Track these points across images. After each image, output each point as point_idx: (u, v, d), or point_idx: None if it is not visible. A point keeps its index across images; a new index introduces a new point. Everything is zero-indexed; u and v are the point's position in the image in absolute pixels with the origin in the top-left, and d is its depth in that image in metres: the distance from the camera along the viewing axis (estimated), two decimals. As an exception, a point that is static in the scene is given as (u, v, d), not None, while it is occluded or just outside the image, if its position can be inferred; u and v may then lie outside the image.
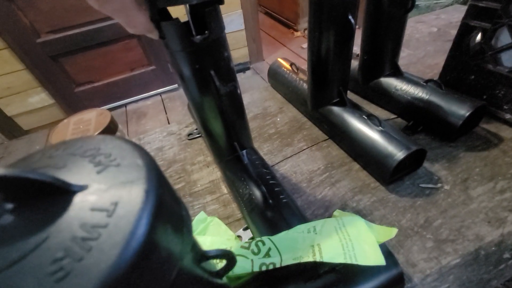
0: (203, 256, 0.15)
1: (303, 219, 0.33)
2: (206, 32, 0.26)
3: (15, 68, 1.55)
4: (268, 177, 0.37)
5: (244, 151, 0.41)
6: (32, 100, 1.74)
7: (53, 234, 0.07)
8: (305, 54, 2.52)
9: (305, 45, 2.50)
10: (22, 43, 1.48)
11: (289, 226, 0.31)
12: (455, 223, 0.34)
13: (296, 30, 2.65)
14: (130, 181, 0.09)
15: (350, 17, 0.36)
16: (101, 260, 0.07)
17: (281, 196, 0.35)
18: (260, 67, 2.26)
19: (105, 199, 0.08)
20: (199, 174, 0.48)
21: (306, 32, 2.63)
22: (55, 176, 0.08)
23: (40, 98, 1.74)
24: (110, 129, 0.37)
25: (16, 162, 0.11)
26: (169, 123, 1.87)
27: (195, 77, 0.30)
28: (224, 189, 0.45)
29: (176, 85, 2.08)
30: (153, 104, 2.02)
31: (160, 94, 2.09)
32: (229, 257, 0.16)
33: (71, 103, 1.82)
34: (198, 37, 0.26)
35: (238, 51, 2.02)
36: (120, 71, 1.86)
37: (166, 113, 1.93)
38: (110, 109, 1.96)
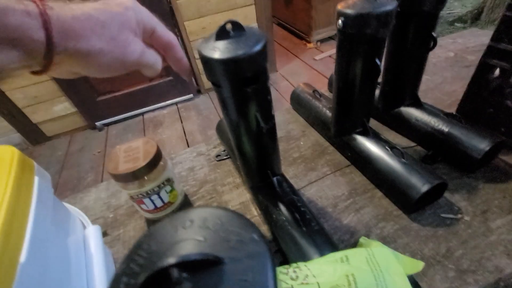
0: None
1: (332, 246, 0.36)
2: (255, 84, 0.30)
3: (42, 79, 1.64)
4: (299, 204, 0.41)
5: (275, 178, 0.44)
6: (56, 109, 1.82)
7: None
8: (317, 66, 2.56)
9: (318, 57, 2.54)
10: (51, 56, 1.57)
11: (320, 252, 0.35)
12: (476, 254, 0.37)
13: (309, 42, 2.70)
14: (256, 254, 0.13)
15: (377, 60, 0.40)
16: None
17: (312, 224, 0.38)
18: (273, 78, 2.31)
19: (243, 269, 0.12)
20: (230, 195, 0.52)
21: (319, 43, 2.68)
22: (209, 253, 0.12)
23: (63, 106, 1.83)
24: (157, 158, 0.41)
25: (156, 230, 0.15)
26: (184, 133, 1.93)
27: (241, 116, 0.34)
28: (254, 211, 0.48)
29: (192, 95, 2.14)
30: (169, 113, 2.08)
31: (176, 103, 2.15)
32: None
33: (92, 111, 1.90)
34: (249, 88, 0.30)
35: (252, 63, 2.07)
36: (140, 81, 1.93)
37: (181, 122, 1.99)
38: (128, 118, 2.04)
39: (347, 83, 0.44)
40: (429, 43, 0.45)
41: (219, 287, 0.11)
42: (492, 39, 0.45)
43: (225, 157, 0.59)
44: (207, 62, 0.29)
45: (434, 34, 0.44)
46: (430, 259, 0.37)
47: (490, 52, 0.45)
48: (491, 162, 0.47)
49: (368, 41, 0.38)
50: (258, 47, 0.28)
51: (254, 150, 0.39)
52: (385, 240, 0.40)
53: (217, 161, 0.59)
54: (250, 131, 0.36)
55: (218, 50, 0.28)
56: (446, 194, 0.44)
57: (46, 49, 0.20)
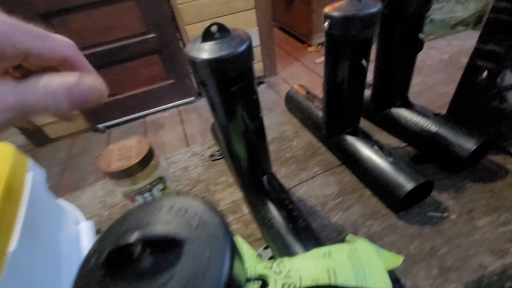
0: (247, 279, 0.19)
1: (318, 243, 0.37)
2: (240, 84, 0.31)
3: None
4: (287, 202, 0.42)
5: (265, 177, 0.45)
6: (59, 111, 1.85)
7: (177, 272, 0.12)
8: (318, 69, 2.57)
9: (318, 60, 2.56)
10: (54, 59, 1.60)
11: (306, 248, 0.35)
12: (460, 252, 0.37)
13: (310, 45, 2.71)
14: (215, 235, 0.14)
15: (363, 61, 0.41)
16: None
17: (299, 221, 0.39)
18: (274, 81, 2.33)
19: (201, 248, 0.13)
20: (222, 194, 0.53)
21: (320, 47, 2.70)
22: (172, 233, 0.13)
23: (66, 109, 1.86)
24: (149, 156, 0.42)
25: (128, 214, 0.16)
26: (185, 135, 1.95)
27: (228, 115, 0.35)
28: (245, 209, 0.49)
29: (193, 98, 2.16)
30: (171, 116, 2.11)
31: (177, 106, 2.17)
32: (264, 281, 0.20)
33: (95, 114, 1.93)
34: (234, 88, 0.31)
35: (253, 66, 2.09)
36: (141, 84, 1.96)
37: (183, 125, 2.00)
38: (130, 120, 2.06)
39: (335, 84, 0.45)
40: (417, 45, 0.46)
41: (177, 264, 0.12)
42: (479, 41, 0.45)
43: (218, 157, 0.60)
44: (193, 63, 0.30)
45: (421, 36, 0.45)
46: (415, 256, 0.38)
47: (477, 53, 0.46)
48: (479, 162, 0.47)
49: (354, 42, 0.39)
50: (242, 48, 0.29)
51: (242, 149, 0.40)
52: (372, 238, 0.41)
53: (212, 161, 0.60)
54: (238, 130, 0.37)
55: (203, 51, 0.29)
56: (434, 193, 0.44)
57: None
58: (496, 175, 0.45)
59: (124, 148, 0.44)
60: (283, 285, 0.30)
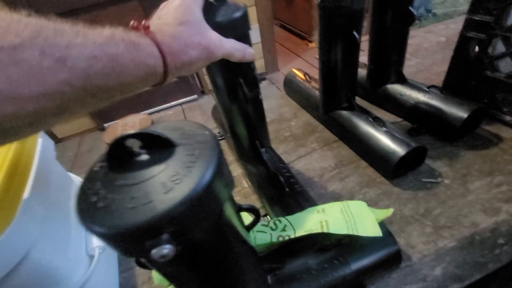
0: (239, 207, 0.21)
1: (313, 204, 0.38)
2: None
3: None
4: (284, 170, 0.43)
5: (264, 149, 0.47)
6: (66, 111, 1.90)
7: (169, 165, 0.14)
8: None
9: (320, 56, 2.57)
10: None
11: (301, 208, 0.37)
12: (453, 212, 0.38)
13: (311, 41, 2.73)
14: (204, 141, 0.15)
15: (354, 32, 0.42)
16: (190, 182, 0.13)
17: (295, 186, 0.40)
18: (276, 77, 2.34)
19: (192, 150, 0.15)
20: (223, 171, 0.54)
21: (321, 43, 2.70)
22: (168, 136, 0.15)
23: (73, 108, 1.90)
24: (152, 129, 0.44)
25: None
26: (189, 131, 1.97)
27: (226, 83, 0.37)
28: (245, 183, 0.50)
29: (196, 95, 2.19)
30: (175, 114, 2.13)
31: (181, 104, 2.21)
32: (256, 212, 0.22)
33: (101, 113, 1.96)
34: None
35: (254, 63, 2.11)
36: (145, 83, 1.99)
37: (186, 122, 2.03)
38: (135, 119, 2.10)
39: (329, 58, 0.47)
40: (408, 18, 0.47)
41: (169, 159, 0.14)
42: (469, 12, 0.46)
43: (220, 138, 0.62)
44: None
45: (411, 9, 0.46)
46: (409, 217, 0.39)
47: (468, 24, 0.47)
48: (473, 132, 0.48)
49: (345, 14, 0.41)
50: (238, 14, 0.31)
51: (240, 119, 0.42)
52: (367, 204, 0.42)
53: None
54: (236, 99, 0.39)
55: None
56: (428, 162, 0.45)
57: (163, 74, 0.21)
58: (490, 142, 0.46)
59: (128, 124, 0.46)
60: (278, 237, 0.31)
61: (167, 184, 0.13)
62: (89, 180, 0.15)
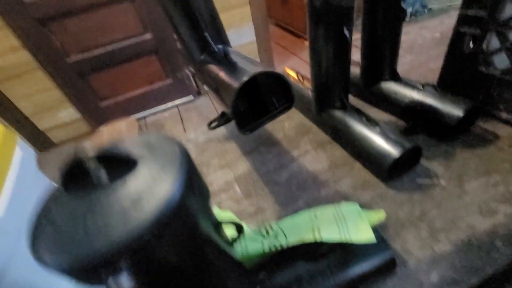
0: (218, 223, 0.19)
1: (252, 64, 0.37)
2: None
3: (47, 85, 1.70)
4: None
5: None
6: (61, 115, 1.88)
7: (130, 185, 0.13)
8: (315, 62, 2.55)
9: (316, 54, 2.55)
10: (54, 63, 1.62)
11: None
12: (449, 215, 0.37)
13: (306, 39, 2.71)
14: (170, 153, 0.14)
15: (345, 30, 0.41)
16: (152, 203, 0.12)
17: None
18: (272, 76, 2.32)
19: (156, 166, 0.14)
20: (214, 175, 0.53)
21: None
22: (126, 151, 0.14)
23: (68, 112, 1.88)
24: (138, 135, 0.43)
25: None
26: (186, 134, 1.96)
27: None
28: (237, 188, 0.49)
29: (192, 96, 2.18)
30: (171, 116, 2.12)
31: (177, 106, 2.19)
32: (238, 226, 0.21)
33: (96, 116, 1.95)
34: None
35: (250, 62, 2.09)
36: (140, 85, 1.98)
37: (183, 124, 2.02)
38: (131, 121, 2.08)
39: (321, 57, 0.46)
40: (400, 14, 0.46)
41: (131, 178, 0.13)
42: (462, 7, 0.45)
43: (215, 125, 0.58)
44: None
45: (403, 5, 0.45)
46: (404, 221, 0.38)
47: (462, 19, 0.46)
48: (469, 130, 0.47)
49: (335, 11, 0.39)
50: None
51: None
52: (361, 207, 0.41)
53: (211, 129, 0.58)
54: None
55: None
56: (424, 162, 0.44)
57: None
58: (485, 141, 0.45)
59: (114, 130, 0.44)
60: (271, 246, 0.30)
61: (125, 207, 0.12)
62: (45, 208, 0.13)
